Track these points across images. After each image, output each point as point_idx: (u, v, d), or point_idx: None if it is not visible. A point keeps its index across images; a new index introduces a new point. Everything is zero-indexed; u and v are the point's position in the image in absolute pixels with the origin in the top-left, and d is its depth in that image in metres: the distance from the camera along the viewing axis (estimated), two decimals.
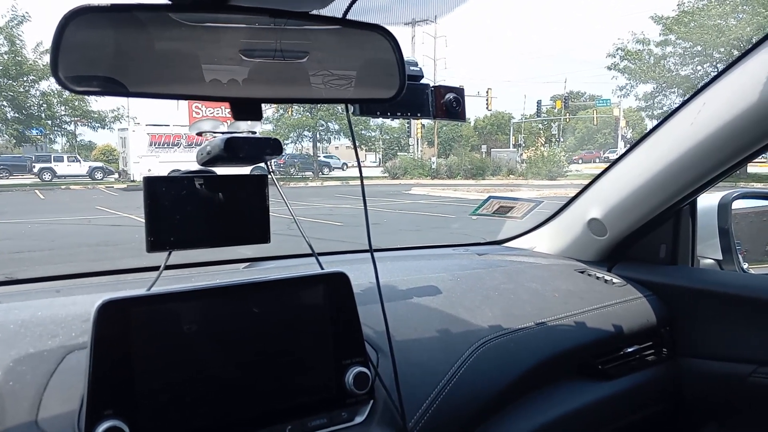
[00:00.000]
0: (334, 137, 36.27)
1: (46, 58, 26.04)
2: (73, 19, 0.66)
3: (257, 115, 0.82)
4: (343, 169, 39.87)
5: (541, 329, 1.40)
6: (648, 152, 1.62)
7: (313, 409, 0.97)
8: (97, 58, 0.70)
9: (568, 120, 51.35)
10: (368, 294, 1.21)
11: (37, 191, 23.98)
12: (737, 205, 1.94)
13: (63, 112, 28.78)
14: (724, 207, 1.89)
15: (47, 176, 29.67)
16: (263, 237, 0.97)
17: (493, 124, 55.17)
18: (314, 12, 0.82)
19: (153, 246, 0.87)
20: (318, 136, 34.88)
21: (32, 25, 27.26)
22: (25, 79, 26.96)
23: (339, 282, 1.04)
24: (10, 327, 0.98)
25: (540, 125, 53.01)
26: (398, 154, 44.45)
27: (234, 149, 0.90)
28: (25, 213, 15.18)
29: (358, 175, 1.11)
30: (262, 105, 0.84)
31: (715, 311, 1.62)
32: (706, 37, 24.41)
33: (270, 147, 0.93)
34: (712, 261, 1.88)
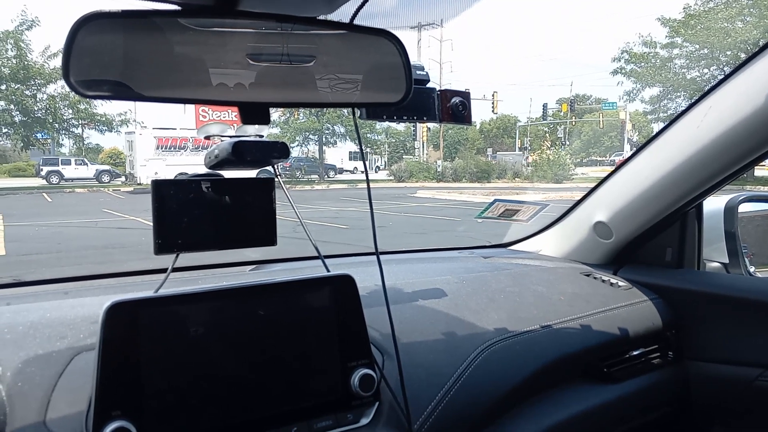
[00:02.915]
0: (340, 140, 36.29)
1: (54, 62, 26.24)
2: (84, 24, 0.67)
3: (265, 119, 0.82)
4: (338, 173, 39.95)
5: (547, 332, 1.40)
6: (654, 155, 1.62)
7: (319, 411, 0.98)
8: (107, 62, 0.71)
9: (574, 123, 51.25)
10: (374, 296, 1.22)
11: (44, 194, 24.09)
12: (744, 208, 1.93)
13: (70, 115, 28.85)
14: (730, 210, 1.89)
15: (55, 179, 29.78)
16: (270, 240, 0.98)
17: (499, 127, 55.22)
18: (321, 17, 0.82)
19: (161, 248, 0.88)
20: (324, 139, 34.90)
21: (40, 29, 27.34)
22: (32, 82, 27.08)
23: (345, 284, 1.04)
24: (19, 328, 0.98)
25: (546, 128, 52.98)
26: (404, 157, 44.47)
27: (242, 153, 0.91)
28: (32, 216, 15.23)
29: (365, 178, 1.12)
30: (270, 109, 0.85)
31: (722, 315, 1.61)
32: (713, 40, 24.29)
33: (277, 150, 0.94)
34: (718, 264, 1.88)
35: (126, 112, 29.05)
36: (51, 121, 28.20)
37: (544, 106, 46.86)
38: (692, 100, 1.54)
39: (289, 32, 0.80)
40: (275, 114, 28.56)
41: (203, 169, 0.98)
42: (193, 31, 0.75)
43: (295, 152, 35.87)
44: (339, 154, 43.78)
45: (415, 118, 1.11)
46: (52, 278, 1.40)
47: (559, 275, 1.72)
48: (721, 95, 1.43)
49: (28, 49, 26.63)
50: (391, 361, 1.10)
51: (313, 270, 1.10)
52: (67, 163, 31.29)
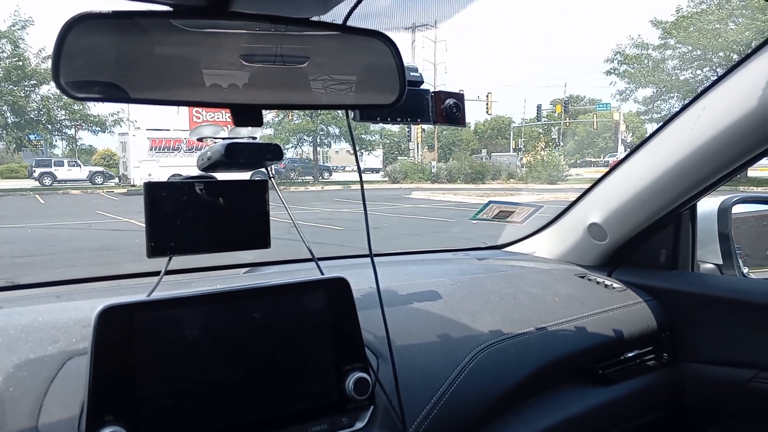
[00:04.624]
0: (335, 141, 36.26)
1: (48, 63, 26.07)
2: (75, 25, 0.67)
3: (258, 121, 0.82)
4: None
5: (542, 334, 1.40)
6: (648, 157, 1.62)
7: (313, 415, 0.97)
8: (98, 64, 0.70)
9: (568, 124, 51.38)
10: (368, 299, 1.21)
11: (37, 196, 23.98)
12: (737, 209, 1.94)
13: (63, 116, 28.72)
14: (724, 211, 1.89)
15: (48, 181, 29.69)
16: (263, 242, 0.97)
17: (493, 128, 55.36)
18: (315, 18, 0.82)
19: (153, 251, 0.88)
20: (318, 140, 34.87)
21: (34, 29, 27.20)
22: (26, 83, 26.93)
23: (339, 287, 1.04)
24: (11, 332, 0.97)
25: (540, 129, 53.10)
26: (398, 158, 44.52)
27: (235, 155, 0.90)
28: (25, 217, 15.15)
29: (358, 179, 1.11)
30: (263, 110, 0.84)
31: (716, 316, 1.61)
32: (705, 41, 24.41)
33: (270, 152, 0.94)
34: (712, 266, 1.88)
35: (118, 112, 29.02)
36: (44, 122, 28.06)
37: (538, 107, 46.99)
38: (685, 102, 1.54)
39: (282, 33, 0.80)
40: (269, 115, 28.53)
41: (197, 171, 0.98)
42: (185, 32, 0.74)
43: (289, 154, 35.93)
44: (376, 156, 45.21)
45: (409, 119, 1.11)
46: (44, 281, 1.39)
47: (553, 277, 1.72)
48: (715, 97, 1.44)
49: (24, 48, 26.51)
50: (385, 364, 1.10)
51: (308, 272, 1.10)
52: (60, 164, 31.20)
